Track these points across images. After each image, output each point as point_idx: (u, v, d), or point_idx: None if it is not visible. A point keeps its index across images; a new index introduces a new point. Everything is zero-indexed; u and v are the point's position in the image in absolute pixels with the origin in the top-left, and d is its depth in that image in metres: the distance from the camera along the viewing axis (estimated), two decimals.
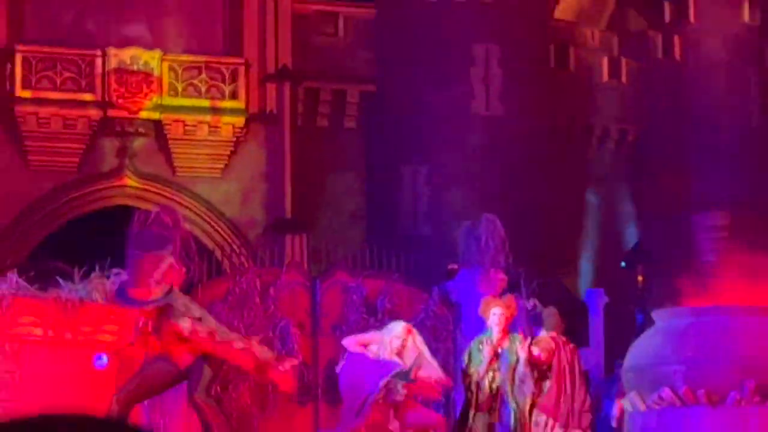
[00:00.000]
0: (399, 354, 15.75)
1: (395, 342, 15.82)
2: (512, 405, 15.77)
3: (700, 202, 35.51)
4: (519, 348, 15.82)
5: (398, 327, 16.15)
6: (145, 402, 14.96)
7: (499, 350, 15.81)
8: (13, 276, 13.03)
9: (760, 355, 17.14)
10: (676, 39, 37.21)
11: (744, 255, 31.57)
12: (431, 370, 16.06)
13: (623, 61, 36.49)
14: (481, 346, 15.96)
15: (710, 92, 36.77)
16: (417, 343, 16.09)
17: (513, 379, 15.71)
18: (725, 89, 36.94)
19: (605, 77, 36.20)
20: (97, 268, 14.22)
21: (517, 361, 15.73)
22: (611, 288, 22.41)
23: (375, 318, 20.84)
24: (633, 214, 32.95)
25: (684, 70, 37.06)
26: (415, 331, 16.31)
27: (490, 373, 15.92)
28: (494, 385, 15.94)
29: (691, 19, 37.31)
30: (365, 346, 16.10)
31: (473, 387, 16.02)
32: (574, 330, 22.15)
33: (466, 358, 16.22)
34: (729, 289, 21.00)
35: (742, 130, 36.92)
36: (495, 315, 15.87)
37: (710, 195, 35.84)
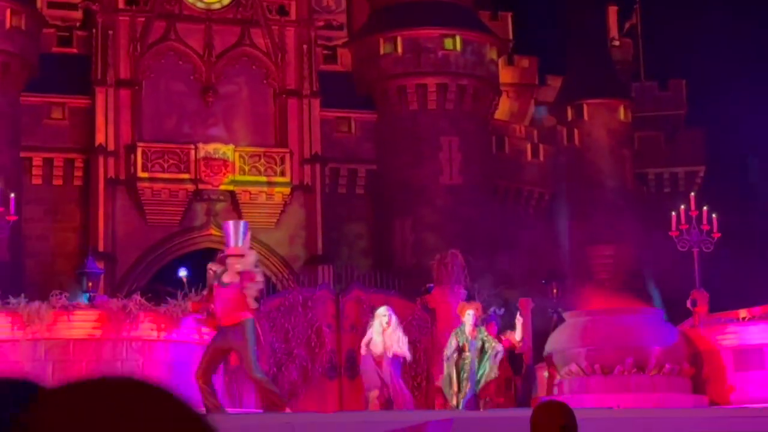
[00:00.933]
0: (384, 330, 15.59)
1: (383, 320, 15.69)
2: (478, 373, 15.88)
3: (593, 240, 35.47)
4: (484, 334, 16.02)
5: (382, 309, 16.07)
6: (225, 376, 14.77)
7: (470, 339, 15.82)
8: (137, 296, 12.99)
9: (635, 341, 17.08)
10: (575, 131, 37.22)
11: (623, 276, 31.39)
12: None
13: (541, 146, 36.45)
14: (456, 337, 16.02)
15: (599, 166, 36.76)
16: (395, 323, 15.91)
17: (479, 357, 15.75)
18: (609, 164, 36.93)
19: (529, 157, 36.15)
20: (192, 291, 14.15)
21: (483, 345, 15.86)
22: (536, 298, 22.25)
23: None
24: (549, 248, 32.78)
25: (581, 152, 37.04)
26: (392, 314, 16.06)
27: (454, 355, 16.01)
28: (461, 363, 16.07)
29: (585, 117, 37.33)
30: (367, 345, 15.98)
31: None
32: (513, 326, 22.02)
33: (450, 343, 16.23)
34: (613, 297, 20.93)
35: (621, 190, 36.91)
36: (470, 315, 15.88)
37: (600, 235, 35.81)
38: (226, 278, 11.80)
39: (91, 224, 30.82)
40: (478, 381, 15.94)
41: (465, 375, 15.89)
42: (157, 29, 32.00)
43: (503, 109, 37.44)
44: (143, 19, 31.83)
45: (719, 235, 21.24)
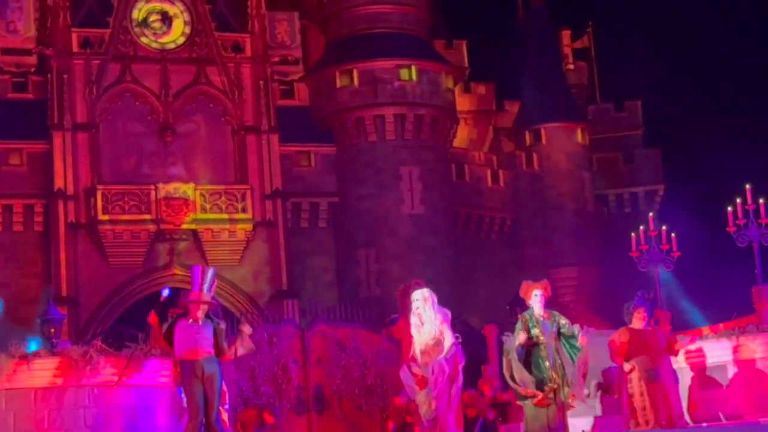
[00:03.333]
0: (420, 316, 12.40)
1: (417, 304, 12.53)
2: (556, 357, 12.59)
3: (556, 263, 35.57)
4: (561, 319, 12.77)
5: (417, 293, 12.69)
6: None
7: (542, 322, 12.51)
8: (97, 342, 12.87)
9: (600, 363, 17.09)
10: (534, 155, 37.40)
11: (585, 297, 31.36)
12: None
13: (500, 172, 36.60)
14: (524, 323, 12.66)
15: (559, 189, 36.94)
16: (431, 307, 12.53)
17: (558, 340, 12.62)
18: (569, 187, 37.12)
19: (489, 183, 36.27)
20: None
21: (559, 329, 12.67)
22: (501, 324, 22.24)
23: (345, 353, 20.71)
24: (512, 273, 32.82)
25: (541, 176, 37.22)
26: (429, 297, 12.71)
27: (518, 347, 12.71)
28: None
29: (544, 141, 37.54)
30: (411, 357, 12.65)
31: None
32: (479, 354, 21.99)
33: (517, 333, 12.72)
34: (577, 320, 20.90)
35: (581, 213, 37.08)
36: (537, 295, 12.72)
37: (563, 257, 35.95)
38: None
39: (53, 269, 30.61)
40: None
41: (546, 364, 12.51)
42: (112, 71, 31.94)
43: (462, 136, 37.59)
44: (98, 61, 31.79)
45: (679, 253, 21.39)
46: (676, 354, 13.25)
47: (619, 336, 13.01)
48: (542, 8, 38.97)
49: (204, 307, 12.11)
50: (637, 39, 40.86)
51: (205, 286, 12.27)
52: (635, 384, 12.83)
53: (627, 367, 12.86)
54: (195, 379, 11.78)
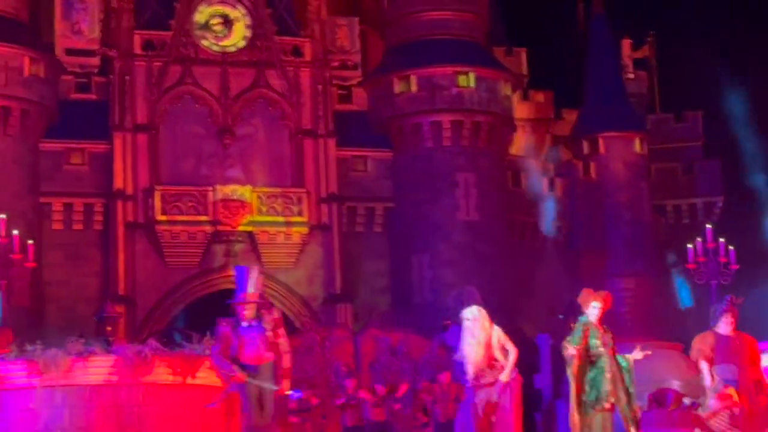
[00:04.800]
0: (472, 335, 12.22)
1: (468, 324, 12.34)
2: (615, 371, 12.06)
3: (612, 273, 35.29)
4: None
5: (468, 312, 12.50)
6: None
7: (600, 332, 12.10)
8: (153, 341, 12.99)
9: (654, 375, 16.94)
10: (592, 164, 37.17)
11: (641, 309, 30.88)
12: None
13: (557, 180, 36.42)
14: (584, 331, 12.10)
15: (616, 199, 36.68)
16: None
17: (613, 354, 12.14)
18: (626, 197, 36.83)
19: (545, 191, 36.09)
20: (209, 333, 14.14)
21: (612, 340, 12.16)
22: (554, 333, 22.15)
23: (396, 358, 20.75)
24: (567, 282, 32.63)
25: (598, 185, 36.99)
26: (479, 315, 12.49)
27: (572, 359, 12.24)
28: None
29: (602, 151, 37.29)
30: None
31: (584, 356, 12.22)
32: (531, 362, 21.91)
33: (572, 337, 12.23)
34: (635, 331, 20.76)
35: (638, 224, 36.77)
36: (595, 308, 12.27)
37: (619, 267, 35.65)
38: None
39: (111, 268, 30.93)
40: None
41: (607, 376, 11.97)
42: (173, 73, 32.26)
43: (519, 144, 37.45)
44: (160, 63, 32.11)
45: (737, 266, 21.16)
46: (757, 366, 12.46)
47: (703, 339, 12.35)
48: (603, 17, 38.74)
49: (253, 307, 12.09)
50: (698, 49, 40.47)
51: (251, 286, 12.18)
52: (709, 395, 12.34)
53: (706, 377, 12.23)
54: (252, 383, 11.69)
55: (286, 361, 12.00)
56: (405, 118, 33.57)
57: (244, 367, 11.77)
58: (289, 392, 12.08)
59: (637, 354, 12.36)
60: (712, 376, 12.36)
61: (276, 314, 12.23)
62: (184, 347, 13.03)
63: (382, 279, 33.40)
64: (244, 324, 11.96)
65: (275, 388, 11.75)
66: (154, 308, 31.00)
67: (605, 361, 12.13)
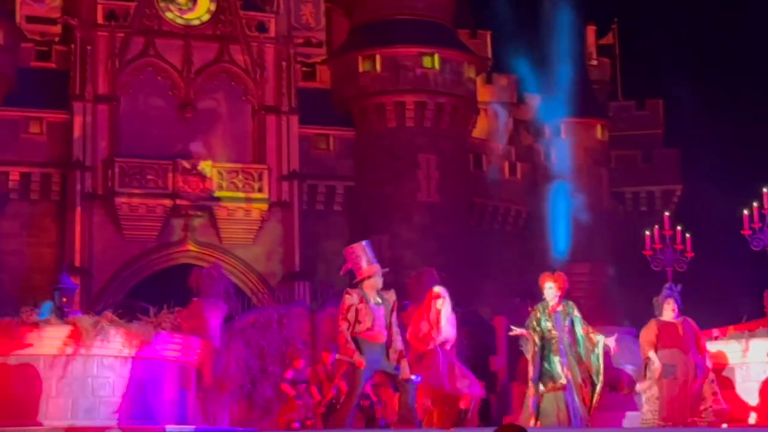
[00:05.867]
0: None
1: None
2: (569, 352, 12.17)
3: (569, 258, 35.44)
4: (574, 312, 12.38)
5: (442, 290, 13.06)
6: (199, 393, 14.70)
7: (553, 314, 12.27)
8: (108, 313, 12.93)
9: (607, 360, 17.01)
10: (552, 149, 37.29)
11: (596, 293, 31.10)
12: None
13: (518, 164, 36.51)
14: (538, 312, 12.40)
15: (576, 184, 36.79)
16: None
17: (572, 334, 12.22)
18: (585, 182, 36.96)
19: (507, 175, 36.18)
20: (165, 307, 14.09)
21: (572, 321, 12.29)
22: (510, 316, 22.21)
23: None
24: (525, 265, 32.79)
25: (559, 170, 37.08)
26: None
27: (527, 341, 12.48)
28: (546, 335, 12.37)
29: (563, 136, 37.42)
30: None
31: (538, 339, 12.38)
32: (488, 344, 21.97)
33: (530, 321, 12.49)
34: (587, 316, 20.80)
35: (597, 209, 36.93)
36: (550, 288, 12.34)
37: (576, 252, 35.81)
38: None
39: (68, 239, 30.71)
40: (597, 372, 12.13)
41: (557, 359, 12.06)
42: (136, 45, 31.98)
43: (481, 127, 37.50)
44: (122, 34, 31.82)
45: (692, 254, 21.30)
46: (702, 350, 12.84)
47: (648, 329, 12.79)
48: (568, 2, 38.80)
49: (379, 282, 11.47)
50: (661, 38, 40.69)
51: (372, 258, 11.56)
52: (654, 379, 12.61)
53: (655, 362, 12.54)
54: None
55: (400, 343, 11.62)
56: (368, 97, 33.51)
57: (360, 342, 11.24)
58: (413, 377, 11.55)
59: (610, 341, 12.36)
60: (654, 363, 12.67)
61: (393, 294, 11.80)
62: (141, 320, 12.98)
63: (341, 258, 33.20)
64: (372, 300, 11.39)
65: (398, 372, 11.27)
66: (110, 280, 30.82)
67: (557, 342, 12.20)
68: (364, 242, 11.84)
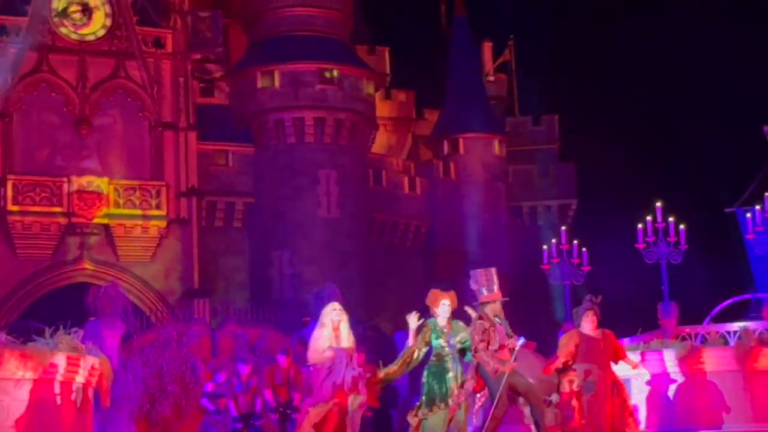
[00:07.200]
0: (336, 329, 12.27)
1: (335, 316, 12.32)
2: (459, 370, 12.05)
3: (468, 272, 35.75)
4: (462, 330, 12.21)
5: (332, 306, 12.53)
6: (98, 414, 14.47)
7: (446, 333, 11.99)
8: (2, 334, 12.62)
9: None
10: (451, 165, 37.65)
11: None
12: None
13: (417, 179, 36.76)
14: (426, 333, 12.16)
15: (474, 199, 37.21)
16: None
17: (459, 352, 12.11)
18: (484, 197, 37.41)
19: (406, 190, 36.39)
20: (62, 327, 13.81)
21: (459, 339, 12.12)
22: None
23: (254, 354, 20.61)
24: (425, 280, 33.01)
25: (457, 185, 37.47)
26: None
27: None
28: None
29: (462, 151, 37.81)
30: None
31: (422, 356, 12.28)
32: (388, 359, 22.05)
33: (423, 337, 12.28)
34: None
35: (495, 224, 37.38)
36: (445, 305, 12.24)
37: (475, 266, 36.14)
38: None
39: None
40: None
41: (450, 376, 12.02)
42: (29, 60, 31.40)
43: (380, 142, 37.72)
44: (14, 50, 31.18)
45: (589, 268, 21.71)
46: (618, 361, 12.73)
47: (569, 338, 12.58)
48: (465, 19, 39.30)
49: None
50: (555, 54, 41.39)
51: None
52: (566, 390, 12.49)
53: (577, 376, 12.38)
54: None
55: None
56: (267, 113, 33.45)
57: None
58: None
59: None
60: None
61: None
62: (36, 341, 12.70)
63: (241, 275, 33.23)
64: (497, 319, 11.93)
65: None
66: (3, 301, 30.17)
67: (449, 361, 12.13)
68: (492, 269, 12.19)
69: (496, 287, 12.09)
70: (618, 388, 12.72)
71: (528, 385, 12.18)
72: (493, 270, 12.24)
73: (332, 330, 12.36)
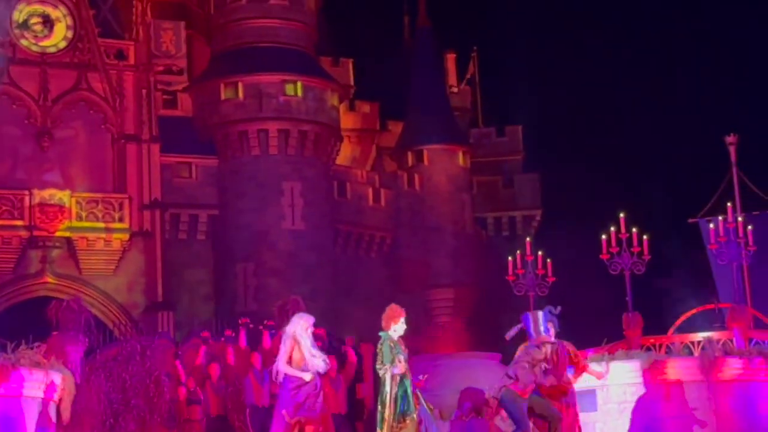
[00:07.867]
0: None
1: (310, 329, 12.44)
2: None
3: (433, 283, 35.84)
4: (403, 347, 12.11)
5: (304, 319, 12.59)
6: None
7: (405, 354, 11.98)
8: None
9: (473, 385, 17.26)
10: (416, 176, 37.68)
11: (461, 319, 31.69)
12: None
13: (382, 191, 36.76)
14: (392, 350, 12.07)
15: (439, 211, 37.28)
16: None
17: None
18: (448, 209, 37.48)
19: (371, 202, 36.39)
20: (23, 342, 13.68)
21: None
22: (376, 342, 22.29)
23: (219, 365, 20.50)
24: (391, 291, 32.99)
25: (422, 196, 37.50)
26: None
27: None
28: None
29: (426, 163, 37.86)
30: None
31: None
32: (354, 372, 21.95)
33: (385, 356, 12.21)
34: (454, 341, 21.16)
35: (460, 235, 37.47)
36: (403, 323, 12.25)
37: (440, 278, 36.24)
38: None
39: None
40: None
41: (410, 392, 12.05)
42: None
43: (345, 154, 37.68)
44: None
45: (554, 279, 21.74)
46: (580, 372, 12.78)
47: (526, 350, 12.44)
48: (428, 30, 39.38)
49: None
50: (518, 65, 41.60)
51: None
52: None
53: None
54: None
55: None
56: (231, 125, 33.35)
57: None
58: None
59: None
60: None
61: None
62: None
63: (205, 287, 33.07)
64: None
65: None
66: None
67: (408, 378, 12.13)
68: (541, 312, 12.65)
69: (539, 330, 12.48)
70: (573, 398, 12.77)
71: (546, 406, 12.34)
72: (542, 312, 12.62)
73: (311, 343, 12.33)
